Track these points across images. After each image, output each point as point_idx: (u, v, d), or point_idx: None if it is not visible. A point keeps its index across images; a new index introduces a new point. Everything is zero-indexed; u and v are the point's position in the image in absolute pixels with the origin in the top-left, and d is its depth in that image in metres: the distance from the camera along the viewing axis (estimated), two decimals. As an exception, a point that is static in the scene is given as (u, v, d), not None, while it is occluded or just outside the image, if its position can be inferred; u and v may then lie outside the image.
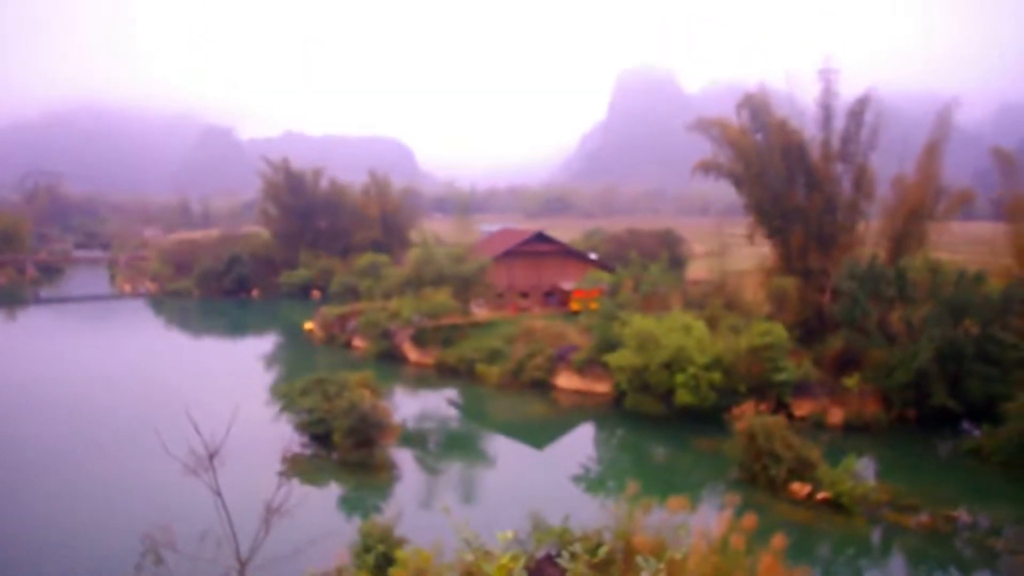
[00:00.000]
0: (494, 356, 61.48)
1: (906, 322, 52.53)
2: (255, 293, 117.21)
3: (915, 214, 60.03)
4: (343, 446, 40.42)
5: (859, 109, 59.37)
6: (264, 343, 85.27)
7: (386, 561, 24.08)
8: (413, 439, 46.61)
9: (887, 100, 66.53)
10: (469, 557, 7.85)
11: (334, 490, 38.88)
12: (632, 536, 21.54)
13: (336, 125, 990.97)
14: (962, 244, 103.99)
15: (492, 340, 63.75)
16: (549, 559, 21.31)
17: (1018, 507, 36.01)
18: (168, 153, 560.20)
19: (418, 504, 35.92)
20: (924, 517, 34.00)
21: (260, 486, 17.94)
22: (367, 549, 25.39)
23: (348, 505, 37.20)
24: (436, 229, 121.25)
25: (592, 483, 40.12)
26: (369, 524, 26.95)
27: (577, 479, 40.46)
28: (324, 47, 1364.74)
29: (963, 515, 34.58)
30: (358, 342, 73.93)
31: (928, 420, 47.61)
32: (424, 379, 63.32)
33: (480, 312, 73.15)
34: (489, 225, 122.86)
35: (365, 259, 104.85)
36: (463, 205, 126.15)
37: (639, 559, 6.78)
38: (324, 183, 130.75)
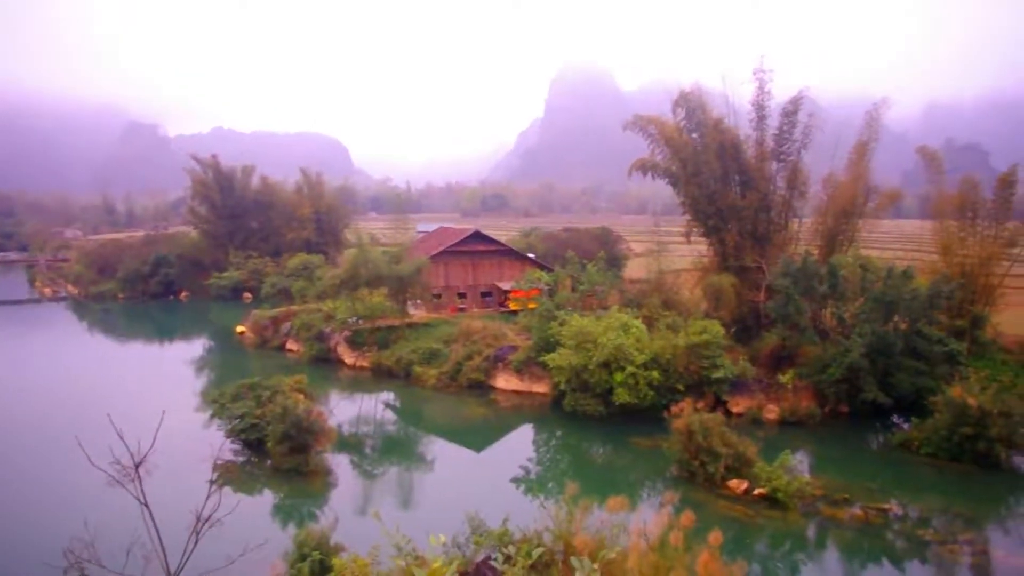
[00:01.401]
0: (432, 357, 60.83)
1: (838, 318, 53.61)
2: (183, 296, 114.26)
3: (846, 212, 61.38)
4: (277, 452, 39.34)
5: (792, 109, 60.44)
6: (193, 347, 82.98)
7: (322, 569, 23.46)
8: (349, 444, 45.70)
9: (819, 101, 67.91)
10: (401, 563, 7.38)
11: (268, 498, 37.76)
12: (571, 537, 21.23)
13: (268, 122, 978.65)
14: (891, 241, 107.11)
15: (430, 341, 63.07)
16: (488, 563, 20.86)
17: (946, 498, 36.83)
18: (90, 150, 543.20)
19: (355, 510, 35.13)
20: (857, 510, 34.58)
21: (190, 496, 17.09)
22: (302, 558, 24.68)
23: (282, 513, 36.16)
24: (371, 228, 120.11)
25: (532, 484, 39.76)
26: (304, 532, 26.25)
27: (517, 481, 40.08)
28: (255, 42, 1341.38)
29: (894, 507, 35.32)
30: (292, 345, 72.43)
31: (860, 414, 48.62)
32: (360, 382, 62.26)
33: (417, 313, 72.33)
34: (426, 224, 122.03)
35: (298, 260, 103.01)
36: (399, 203, 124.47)
37: (573, 560, 6.45)
38: (255, 181, 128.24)
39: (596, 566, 6.26)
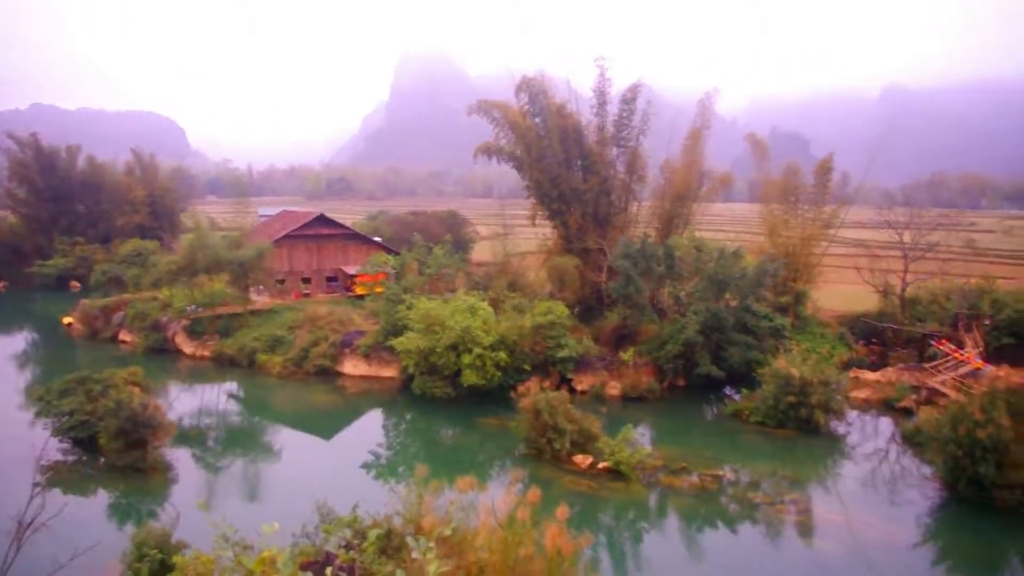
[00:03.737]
0: (276, 345, 59.15)
1: (675, 297, 56.14)
2: (1, 285, 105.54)
3: (682, 196, 64.24)
4: (111, 449, 37.22)
5: (631, 96, 62.49)
6: (15, 341, 76.77)
7: (163, 569, 22.40)
8: (191, 437, 43.76)
9: (656, 90, 70.53)
10: (229, 553, 7.11)
11: (102, 498, 35.63)
12: (421, 519, 21.22)
13: (94, 98, 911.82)
14: (723, 223, 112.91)
15: (274, 328, 61.25)
16: (348, 551, 20.53)
17: (773, 462, 39.40)
18: None
19: (199, 505, 33.64)
20: (694, 478, 36.49)
21: (12, 502, 15.88)
22: (140, 558, 23.48)
23: (119, 513, 34.21)
24: (210, 212, 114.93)
25: (382, 469, 39.46)
26: (143, 531, 25.05)
27: (367, 466, 39.65)
28: (78, 13, 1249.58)
29: (727, 473, 37.51)
30: (125, 336, 68.39)
31: (696, 387, 51.26)
32: (201, 372, 59.66)
33: (260, 299, 69.98)
34: (268, 208, 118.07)
35: (131, 245, 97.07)
36: (240, 186, 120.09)
37: (409, 539, 6.40)
38: (81, 162, 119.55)
39: (431, 544, 6.23)
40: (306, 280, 76.40)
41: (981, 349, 50.57)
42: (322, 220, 79.04)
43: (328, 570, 6.79)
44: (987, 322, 54.21)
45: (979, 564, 30.31)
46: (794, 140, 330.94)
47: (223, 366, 60.22)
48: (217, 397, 54.56)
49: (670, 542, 31.85)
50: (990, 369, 44.73)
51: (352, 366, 56.47)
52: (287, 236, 74.94)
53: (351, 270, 75.70)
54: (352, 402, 51.94)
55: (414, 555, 6.11)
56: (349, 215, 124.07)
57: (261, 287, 71.30)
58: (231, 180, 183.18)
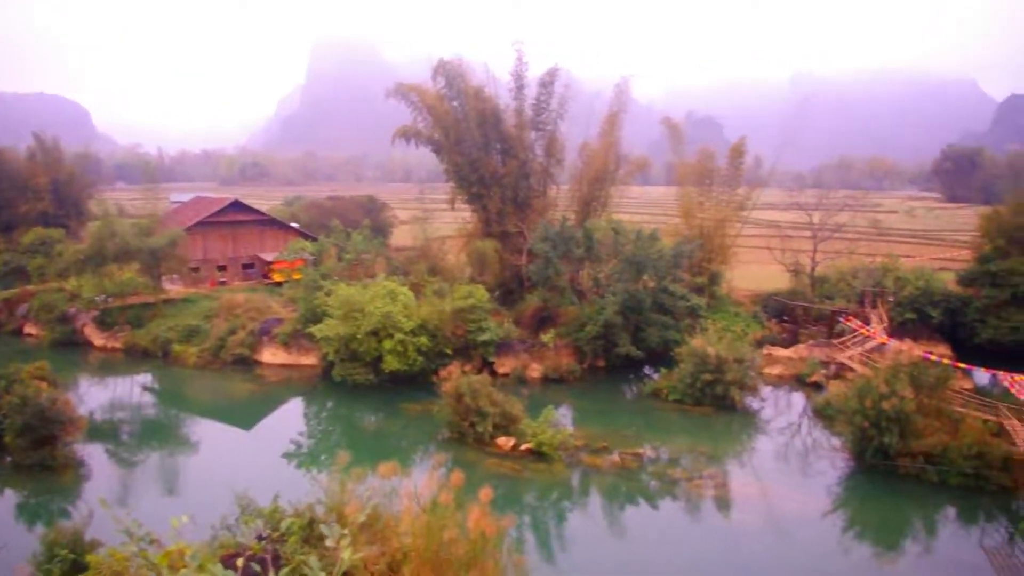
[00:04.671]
0: (192, 334, 57.58)
1: (594, 279, 56.73)
2: None
3: (600, 179, 64.87)
4: (17, 447, 35.87)
5: (549, 80, 62.67)
6: (-95, 336, 72.72)
7: (76, 569, 21.68)
8: (103, 432, 42.35)
9: (574, 75, 70.86)
10: (133, 548, 6.88)
11: (9, 499, 34.26)
12: (343, 507, 20.99)
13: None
14: (640, 206, 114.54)
15: (189, 317, 59.62)
16: (260, 541, 20.17)
17: (691, 438, 40.32)
18: None
19: (113, 502, 32.53)
20: (615, 456, 37.10)
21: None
22: (51, 558, 22.66)
23: (27, 513, 32.93)
24: (119, 199, 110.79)
25: (304, 458, 38.89)
26: (54, 531, 24.28)
27: (289, 456, 39.04)
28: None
29: (647, 451, 38.27)
30: (30, 329, 65.47)
31: (616, 368, 52.03)
32: (113, 365, 57.62)
33: (174, 288, 67.94)
34: (181, 194, 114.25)
35: (34, 234, 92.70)
36: (150, 172, 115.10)
37: (323, 527, 6.28)
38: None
39: (346, 531, 6.15)
40: (222, 268, 74.47)
41: (886, 325, 52.71)
42: (237, 206, 77.07)
43: (239, 561, 6.60)
44: (891, 299, 56.53)
45: (885, 529, 31.70)
46: (709, 124, 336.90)
47: (136, 358, 58.33)
48: (131, 390, 52.89)
49: (593, 520, 32.33)
50: (894, 344, 46.65)
51: (271, 355, 55.42)
52: (201, 223, 72.83)
53: (268, 257, 74.14)
54: (272, 391, 50.99)
55: (328, 543, 5.99)
56: (265, 201, 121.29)
57: (175, 276, 69.22)
58: (141, 165, 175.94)
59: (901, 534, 31.47)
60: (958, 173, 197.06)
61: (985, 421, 36.34)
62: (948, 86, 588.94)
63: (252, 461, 38.55)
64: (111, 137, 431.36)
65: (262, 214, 79.44)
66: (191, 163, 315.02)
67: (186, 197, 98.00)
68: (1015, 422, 35.34)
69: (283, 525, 16.90)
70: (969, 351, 52.19)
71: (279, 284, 68.96)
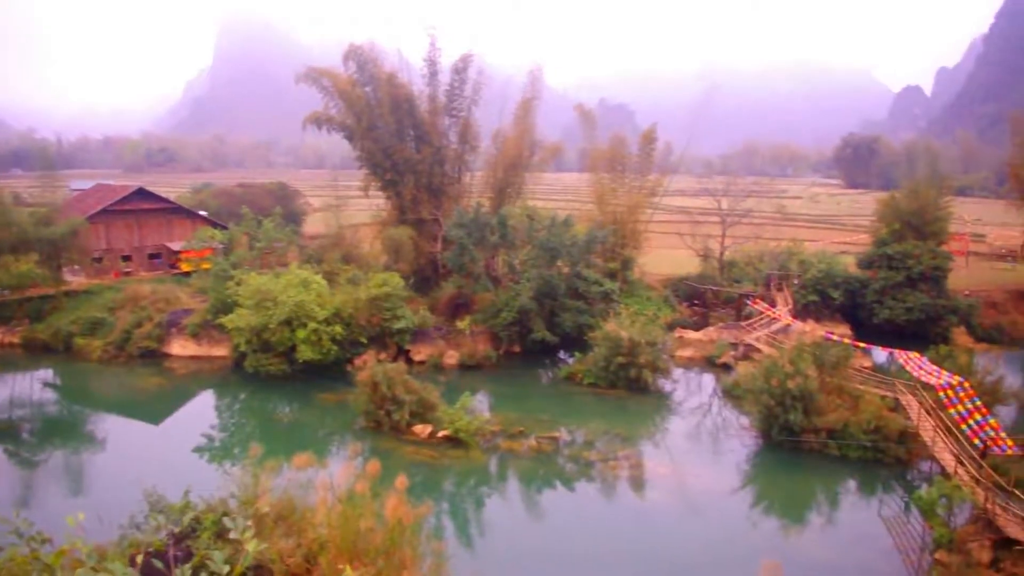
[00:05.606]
0: (95, 327, 55.38)
1: (509, 266, 57.03)
2: None
3: (514, 165, 65.03)
4: (-101, 448, 33.85)
5: (462, 66, 62.41)
6: None
7: (-33, 577, 20.56)
8: (1, 431, 40.47)
9: (487, 60, 70.78)
10: (24, 550, 6.66)
11: None
12: (257, 500, 20.65)
13: None
14: (554, 192, 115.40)
15: (92, 310, 57.25)
16: (172, 538, 19.67)
17: (606, 421, 41.02)
18: None
19: (14, 504, 31.17)
20: (532, 441, 37.48)
21: None
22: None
23: (-87, 522, 31.17)
24: (14, 187, 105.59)
25: (216, 452, 38.00)
26: (-59, 539, 22.79)
27: (200, 450, 38.05)
28: None
29: (563, 434, 38.75)
30: (-87, 326, 61.96)
31: (531, 353, 52.47)
32: (10, 361, 54.98)
33: (75, 280, 65.17)
34: (81, 181, 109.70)
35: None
36: (47, 159, 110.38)
37: (226, 520, 6.21)
38: None
39: (250, 523, 6.08)
40: (126, 258, 71.81)
41: (791, 307, 54.65)
42: (142, 194, 74.34)
43: (138, 558, 6.45)
44: (796, 282, 58.60)
45: (791, 502, 33.00)
46: (621, 112, 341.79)
47: (35, 352, 55.84)
48: (30, 386, 50.61)
49: (511, 505, 32.61)
50: (798, 325, 48.40)
51: (180, 347, 53.87)
52: (103, 211, 69.99)
53: (176, 246, 71.87)
54: (181, 384, 49.56)
55: (232, 536, 5.91)
56: (172, 188, 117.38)
57: (76, 267, 66.45)
58: (38, 152, 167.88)
59: (806, 507, 32.75)
60: (857, 160, 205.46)
61: (883, 397, 38.21)
62: (847, 76, 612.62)
63: (162, 457, 37.40)
64: (5, 122, 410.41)
65: (169, 202, 76.87)
66: (93, 149, 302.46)
67: (87, 185, 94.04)
68: (910, 397, 37.17)
69: (186, 520, 16.53)
70: (868, 331, 54.67)
71: (187, 274, 66.99)
